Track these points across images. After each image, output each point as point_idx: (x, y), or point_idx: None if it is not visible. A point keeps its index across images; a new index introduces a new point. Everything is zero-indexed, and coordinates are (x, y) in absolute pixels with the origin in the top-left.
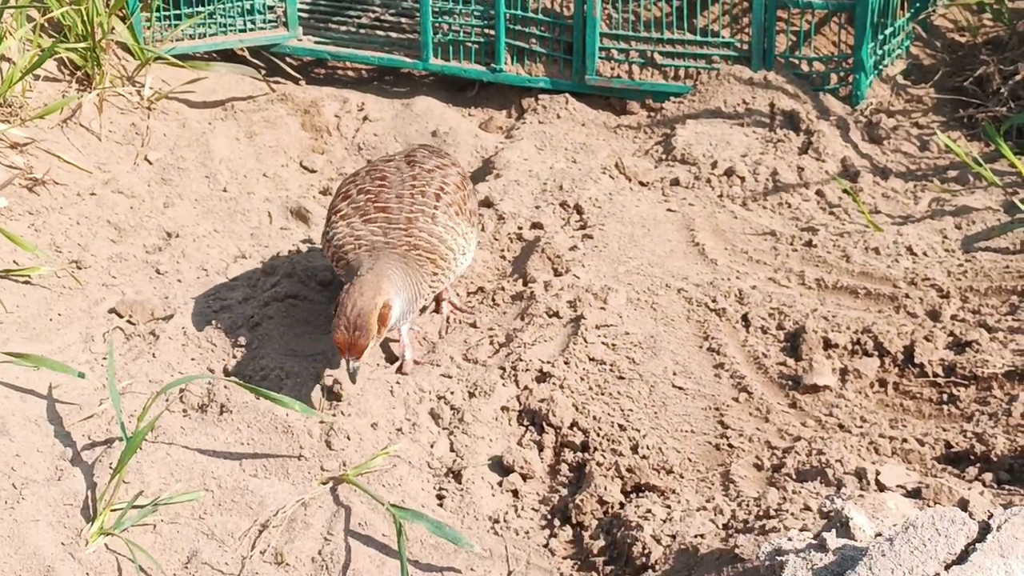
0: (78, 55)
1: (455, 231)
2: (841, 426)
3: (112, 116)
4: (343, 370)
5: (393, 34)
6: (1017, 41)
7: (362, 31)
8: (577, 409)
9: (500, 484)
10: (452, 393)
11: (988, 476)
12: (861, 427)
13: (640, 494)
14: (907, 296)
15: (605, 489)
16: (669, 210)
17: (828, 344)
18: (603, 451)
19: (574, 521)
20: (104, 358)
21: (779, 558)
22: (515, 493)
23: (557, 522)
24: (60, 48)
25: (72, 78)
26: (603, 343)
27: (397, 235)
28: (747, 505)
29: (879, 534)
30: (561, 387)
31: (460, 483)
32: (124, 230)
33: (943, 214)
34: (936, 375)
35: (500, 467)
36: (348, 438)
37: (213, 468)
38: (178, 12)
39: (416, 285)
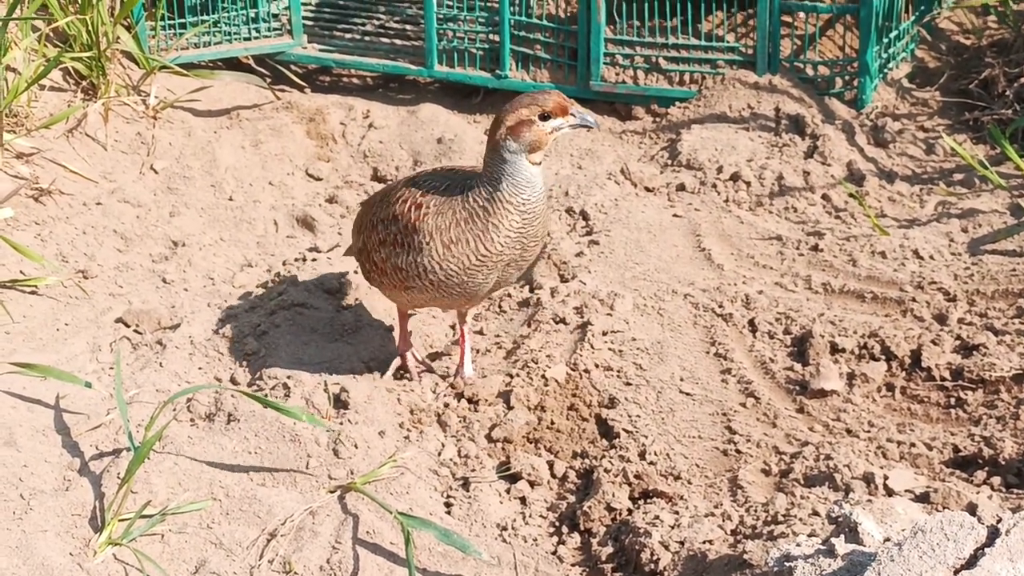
0: (83, 65)
1: None
2: (849, 431)
3: (117, 125)
4: None
5: (398, 41)
6: (1022, 43)
7: (367, 38)
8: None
9: (508, 491)
10: (459, 400)
11: (996, 480)
12: (869, 432)
13: (648, 500)
14: (914, 300)
15: (613, 495)
16: (675, 215)
17: (835, 349)
18: (610, 457)
19: (582, 528)
20: (111, 368)
21: (788, 564)
22: (523, 500)
23: (565, 529)
24: (65, 58)
25: (77, 88)
26: (610, 349)
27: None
28: (755, 511)
29: (888, 539)
30: None
31: (468, 490)
32: (130, 239)
33: (949, 217)
34: (943, 379)
35: (508, 474)
36: (355, 446)
37: (221, 477)
38: (183, 21)
39: None
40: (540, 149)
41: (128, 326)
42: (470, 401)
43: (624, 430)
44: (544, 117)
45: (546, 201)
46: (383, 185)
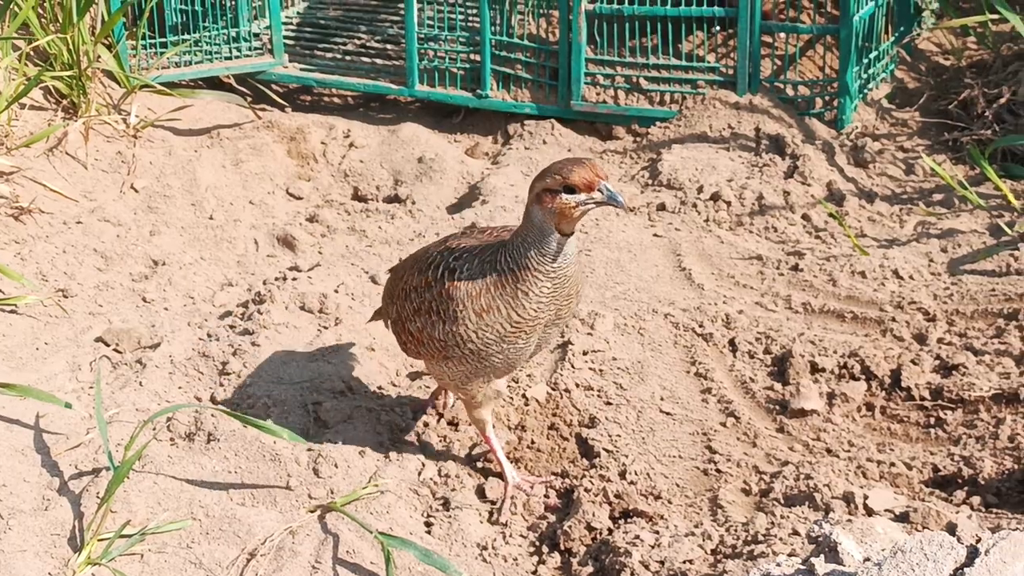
0: (64, 83)
1: None
2: (829, 450)
3: (98, 144)
4: None
5: (379, 61)
6: (1001, 64)
7: (348, 58)
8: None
9: (488, 511)
10: (439, 421)
11: (976, 499)
12: (849, 451)
13: (628, 520)
14: (893, 320)
15: (593, 515)
16: (655, 235)
17: (815, 368)
18: (591, 477)
19: (562, 547)
20: (91, 387)
21: None
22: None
23: (545, 549)
24: (46, 77)
25: (58, 106)
26: (590, 369)
27: None
28: (735, 530)
29: (867, 559)
30: None
31: (448, 510)
32: (110, 258)
33: (929, 237)
34: (923, 399)
35: (488, 494)
36: (336, 466)
37: (200, 497)
38: (164, 40)
39: None
40: (567, 221)
41: (108, 345)
42: (450, 423)
43: (604, 449)
44: (569, 190)
45: (577, 264)
46: (363, 203)
